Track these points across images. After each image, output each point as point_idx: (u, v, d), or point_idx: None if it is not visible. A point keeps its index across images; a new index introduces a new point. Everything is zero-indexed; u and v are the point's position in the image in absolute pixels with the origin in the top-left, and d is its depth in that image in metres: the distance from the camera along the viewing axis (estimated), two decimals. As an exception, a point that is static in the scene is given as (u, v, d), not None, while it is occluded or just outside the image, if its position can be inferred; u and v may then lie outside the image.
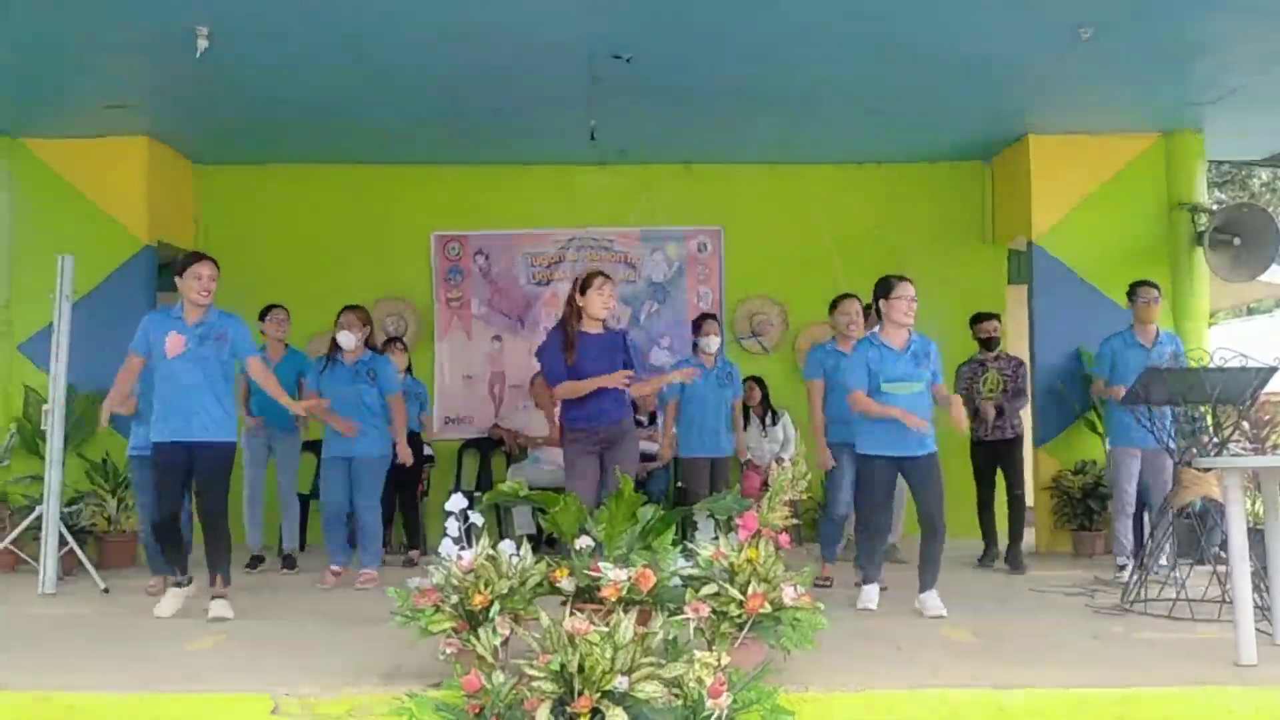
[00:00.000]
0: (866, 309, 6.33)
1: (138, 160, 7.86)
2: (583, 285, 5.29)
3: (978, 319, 7.28)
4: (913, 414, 5.18)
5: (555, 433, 6.95)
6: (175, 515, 5.30)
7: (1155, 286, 6.73)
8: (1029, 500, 7.47)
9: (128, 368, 5.45)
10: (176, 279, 5.36)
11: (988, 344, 7.18)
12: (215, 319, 5.36)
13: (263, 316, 7.10)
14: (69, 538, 6.41)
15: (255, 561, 7.07)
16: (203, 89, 6.92)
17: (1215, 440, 5.31)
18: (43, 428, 6.56)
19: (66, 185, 7.80)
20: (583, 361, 5.21)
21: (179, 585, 5.36)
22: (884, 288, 5.43)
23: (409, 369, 7.71)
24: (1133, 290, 6.75)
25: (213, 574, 5.29)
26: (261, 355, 7.01)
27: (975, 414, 6.94)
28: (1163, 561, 5.67)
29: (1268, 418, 5.14)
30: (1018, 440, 7.10)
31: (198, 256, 5.41)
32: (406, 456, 6.67)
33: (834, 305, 6.47)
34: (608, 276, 5.34)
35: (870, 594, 5.42)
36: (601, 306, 5.25)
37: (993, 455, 7.06)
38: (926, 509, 5.30)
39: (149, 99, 7.28)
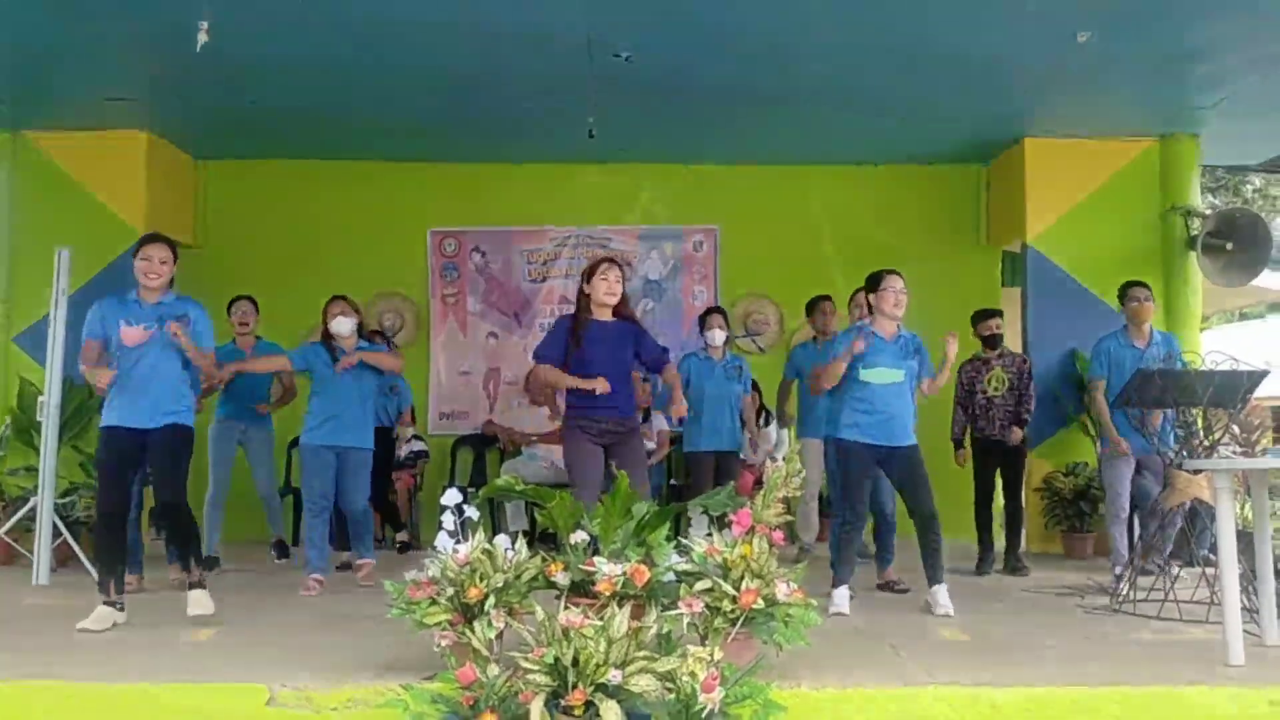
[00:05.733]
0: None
1: (137, 154, 7.88)
2: (588, 273, 5.27)
3: (980, 316, 7.12)
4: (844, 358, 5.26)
5: (554, 421, 6.65)
6: (119, 510, 5.00)
7: (1146, 287, 6.64)
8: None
9: (86, 356, 4.98)
10: (133, 260, 5.06)
11: (990, 341, 7.01)
12: (173, 301, 5.08)
13: (229, 309, 6.95)
14: (63, 529, 6.43)
15: (210, 563, 6.45)
16: (202, 83, 6.92)
17: (1205, 443, 5.34)
18: (38, 419, 6.56)
19: (66, 178, 7.81)
20: (589, 348, 5.17)
21: (110, 605, 4.86)
22: (873, 281, 5.47)
23: None
24: (1123, 291, 6.68)
25: (183, 562, 5.10)
26: (231, 347, 6.85)
27: (977, 413, 6.89)
28: (1160, 563, 5.66)
29: (1257, 421, 5.16)
30: (1023, 443, 6.96)
31: (150, 238, 5.15)
32: None
33: (813, 306, 6.63)
34: (614, 262, 5.30)
35: (841, 597, 5.20)
36: (605, 292, 5.19)
37: (997, 453, 6.92)
38: (917, 503, 5.23)
39: (149, 93, 7.31)
